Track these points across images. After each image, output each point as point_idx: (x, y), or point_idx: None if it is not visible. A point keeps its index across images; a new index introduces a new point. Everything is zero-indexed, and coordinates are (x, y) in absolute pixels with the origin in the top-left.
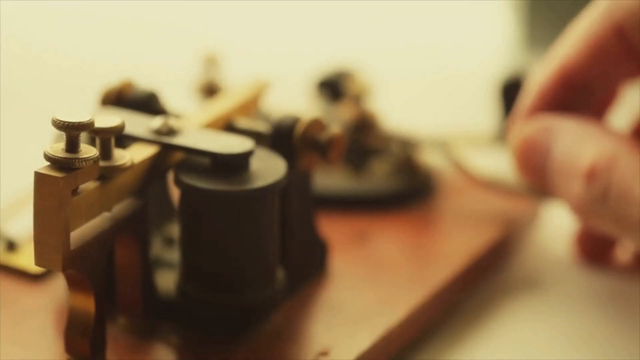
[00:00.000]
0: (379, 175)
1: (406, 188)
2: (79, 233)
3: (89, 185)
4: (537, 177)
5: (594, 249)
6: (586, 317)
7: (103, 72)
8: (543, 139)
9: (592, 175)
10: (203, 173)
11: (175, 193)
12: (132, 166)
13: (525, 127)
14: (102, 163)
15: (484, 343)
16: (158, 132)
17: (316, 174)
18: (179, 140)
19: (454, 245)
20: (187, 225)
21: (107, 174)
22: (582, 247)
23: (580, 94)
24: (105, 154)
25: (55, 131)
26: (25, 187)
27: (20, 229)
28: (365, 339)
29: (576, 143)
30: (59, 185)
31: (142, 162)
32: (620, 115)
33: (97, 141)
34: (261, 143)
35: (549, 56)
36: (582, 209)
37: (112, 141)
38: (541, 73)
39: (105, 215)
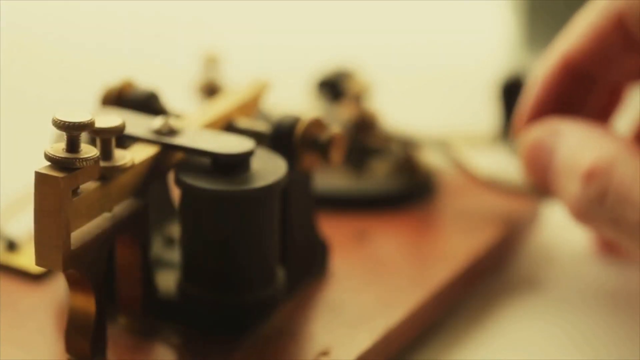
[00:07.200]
0: (379, 175)
1: (406, 188)
2: (80, 233)
3: (90, 186)
4: (543, 178)
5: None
6: (586, 316)
7: (103, 71)
8: (549, 141)
9: (590, 177)
10: (203, 173)
11: (175, 193)
12: (133, 166)
13: (534, 129)
14: (102, 163)
15: (484, 343)
16: (158, 132)
17: (316, 174)
18: (179, 140)
19: (454, 245)
20: (188, 225)
21: (107, 174)
22: (601, 239)
23: (583, 85)
24: (106, 154)
25: (55, 131)
26: (25, 187)
27: (20, 229)
28: (366, 339)
29: (579, 145)
30: (60, 185)
31: (143, 162)
32: (623, 119)
33: (98, 141)
34: (261, 143)
35: (552, 47)
36: (579, 211)
37: (113, 141)
38: (545, 63)
39: (106, 215)
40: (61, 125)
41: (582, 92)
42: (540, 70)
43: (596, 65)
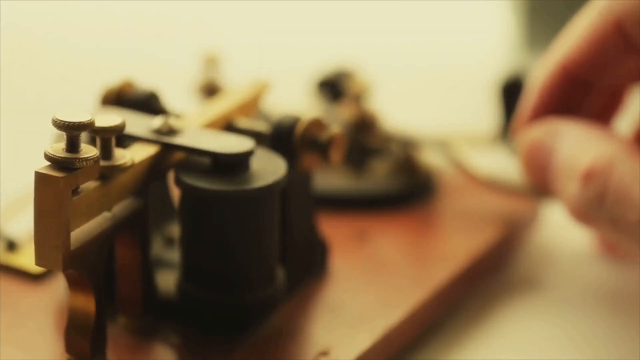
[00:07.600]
0: (379, 175)
1: (406, 188)
2: (79, 233)
3: (90, 185)
4: (542, 178)
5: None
6: (586, 316)
7: (103, 71)
8: (548, 141)
9: (589, 177)
10: (203, 173)
11: (175, 193)
12: (133, 166)
13: (533, 129)
14: (102, 163)
15: (484, 343)
16: (158, 131)
17: (316, 174)
18: (179, 140)
19: (454, 246)
20: (188, 225)
21: (107, 173)
22: (604, 240)
23: (582, 90)
24: (106, 153)
25: (55, 131)
26: (25, 187)
27: (20, 229)
28: (366, 339)
29: (578, 145)
30: (59, 185)
31: (143, 162)
32: (624, 120)
33: (98, 141)
34: (261, 143)
35: (550, 52)
36: (579, 211)
37: (113, 141)
38: (543, 68)
39: (106, 215)
40: (61, 125)
41: (581, 95)
42: (539, 74)
43: (595, 68)
